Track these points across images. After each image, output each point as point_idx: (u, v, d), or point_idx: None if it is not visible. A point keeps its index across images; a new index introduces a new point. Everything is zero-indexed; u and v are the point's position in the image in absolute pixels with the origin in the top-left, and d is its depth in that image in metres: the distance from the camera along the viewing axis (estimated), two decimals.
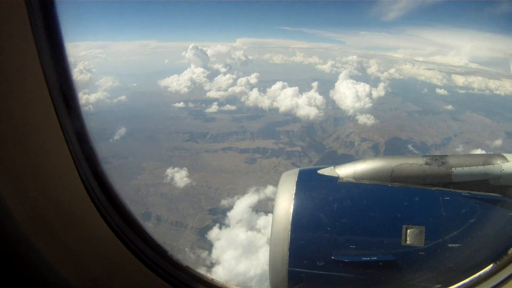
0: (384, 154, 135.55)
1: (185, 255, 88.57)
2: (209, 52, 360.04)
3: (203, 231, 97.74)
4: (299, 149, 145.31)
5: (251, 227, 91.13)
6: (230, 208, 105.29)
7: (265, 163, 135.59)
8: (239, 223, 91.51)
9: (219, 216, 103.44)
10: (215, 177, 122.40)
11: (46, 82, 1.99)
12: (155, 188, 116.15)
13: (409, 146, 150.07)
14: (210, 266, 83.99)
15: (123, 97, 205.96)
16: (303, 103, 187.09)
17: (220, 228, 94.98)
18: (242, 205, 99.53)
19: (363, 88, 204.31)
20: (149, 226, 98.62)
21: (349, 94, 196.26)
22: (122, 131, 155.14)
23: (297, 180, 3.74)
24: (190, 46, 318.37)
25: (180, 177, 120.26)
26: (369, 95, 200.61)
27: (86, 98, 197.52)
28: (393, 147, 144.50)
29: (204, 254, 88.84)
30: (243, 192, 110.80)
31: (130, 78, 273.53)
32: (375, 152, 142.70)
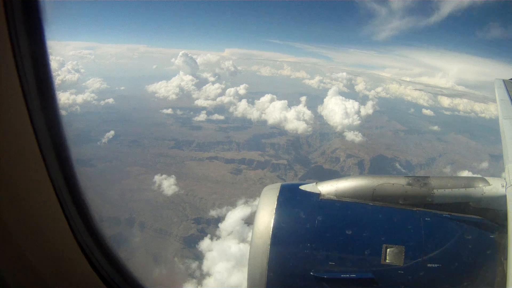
0: (369, 172, 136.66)
1: (174, 265, 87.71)
2: (199, 60, 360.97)
3: (188, 240, 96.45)
4: (285, 162, 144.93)
5: (243, 239, 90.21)
6: (219, 219, 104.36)
7: (251, 175, 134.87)
8: (231, 234, 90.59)
9: (204, 226, 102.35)
10: (200, 186, 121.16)
11: (21, 86, 1.90)
12: (139, 193, 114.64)
13: (396, 164, 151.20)
14: (201, 277, 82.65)
15: (110, 100, 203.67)
16: (291, 117, 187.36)
17: (211, 239, 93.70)
18: (234, 217, 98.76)
19: (352, 105, 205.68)
20: (131, 232, 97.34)
21: (338, 110, 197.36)
22: (110, 134, 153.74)
23: (279, 195, 3.75)
24: (180, 53, 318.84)
25: (168, 184, 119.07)
26: (358, 112, 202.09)
27: (73, 99, 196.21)
28: (379, 165, 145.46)
29: (194, 264, 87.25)
30: (228, 203, 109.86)
31: (118, 81, 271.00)
32: (360, 169, 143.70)
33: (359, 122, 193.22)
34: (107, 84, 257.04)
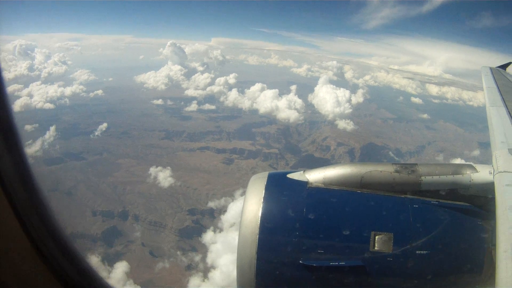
0: (360, 160, 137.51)
1: (177, 259, 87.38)
2: (187, 50, 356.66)
3: (183, 232, 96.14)
4: (276, 151, 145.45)
5: None
6: (214, 209, 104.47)
7: (243, 164, 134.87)
8: (233, 226, 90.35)
9: (198, 217, 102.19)
10: (193, 177, 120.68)
11: None
12: (132, 186, 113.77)
13: (387, 152, 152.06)
14: (206, 270, 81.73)
15: (99, 92, 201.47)
16: (283, 106, 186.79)
17: (214, 231, 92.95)
18: (236, 208, 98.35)
19: (343, 93, 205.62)
20: (126, 225, 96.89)
21: (329, 99, 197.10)
22: (103, 126, 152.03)
23: (266, 184, 3.76)
24: (168, 43, 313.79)
25: (162, 176, 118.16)
26: (349, 100, 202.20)
27: (62, 91, 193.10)
28: (369, 153, 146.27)
29: (197, 257, 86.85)
30: (222, 193, 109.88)
31: (106, 72, 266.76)
32: (351, 157, 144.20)
33: (350, 110, 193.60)
34: (95, 76, 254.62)
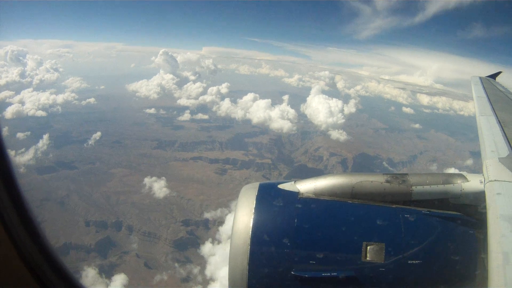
0: (352, 170, 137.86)
1: (173, 271, 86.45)
2: (178, 59, 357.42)
3: (178, 243, 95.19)
4: (269, 161, 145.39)
5: None
6: (211, 221, 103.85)
7: (236, 175, 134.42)
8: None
9: (193, 228, 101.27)
10: (186, 187, 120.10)
11: None
12: (125, 196, 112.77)
13: (379, 162, 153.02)
14: (205, 282, 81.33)
15: (92, 100, 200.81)
16: (276, 116, 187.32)
17: (212, 243, 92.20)
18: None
19: (335, 103, 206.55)
20: (120, 236, 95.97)
21: (322, 109, 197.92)
22: (97, 135, 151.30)
23: (257, 194, 3.73)
24: (161, 52, 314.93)
25: (156, 186, 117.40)
26: (342, 111, 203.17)
27: (54, 99, 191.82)
28: (361, 163, 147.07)
29: (196, 269, 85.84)
30: (216, 204, 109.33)
31: (98, 80, 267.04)
32: (344, 167, 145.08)
33: (343, 120, 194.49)
34: (87, 83, 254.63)
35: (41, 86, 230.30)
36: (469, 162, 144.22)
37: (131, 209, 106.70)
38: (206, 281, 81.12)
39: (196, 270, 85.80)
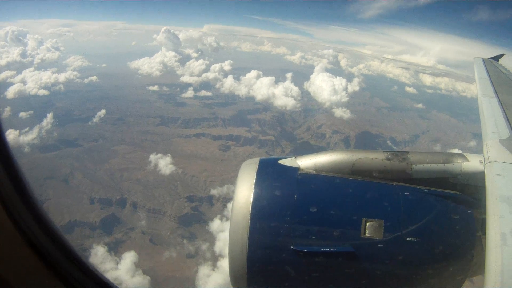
0: (355, 148, 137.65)
1: (178, 247, 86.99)
2: (180, 36, 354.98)
3: (182, 219, 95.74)
4: (272, 138, 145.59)
5: None
6: (215, 198, 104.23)
7: (239, 151, 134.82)
8: None
9: (197, 204, 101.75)
10: (190, 164, 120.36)
11: None
12: (129, 173, 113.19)
13: (381, 141, 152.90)
14: (214, 259, 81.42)
15: (94, 78, 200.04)
16: (279, 93, 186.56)
17: (221, 219, 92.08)
18: None
19: (339, 82, 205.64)
20: (124, 213, 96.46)
21: (326, 87, 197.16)
22: (101, 113, 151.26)
23: (258, 169, 3.73)
24: (163, 29, 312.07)
25: (164, 163, 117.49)
26: (345, 89, 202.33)
27: (56, 77, 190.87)
28: (364, 141, 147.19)
29: (204, 246, 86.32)
30: (220, 180, 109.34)
31: (99, 58, 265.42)
32: (346, 145, 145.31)
33: (347, 99, 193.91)
34: (88, 62, 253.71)
35: (43, 65, 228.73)
36: (472, 143, 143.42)
37: (135, 186, 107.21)
38: (216, 257, 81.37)
39: (204, 246, 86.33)
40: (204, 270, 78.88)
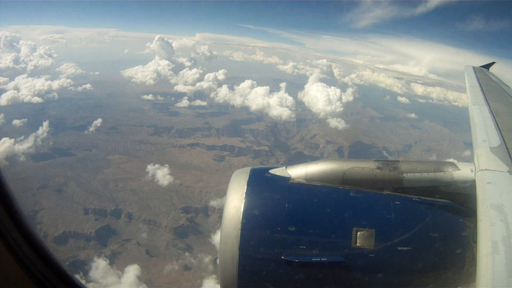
0: (348, 158, 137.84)
1: (181, 260, 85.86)
2: (174, 45, 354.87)
3: (178, 230, 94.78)
4: (266, 148, 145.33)
5: None
6: (211, 208, 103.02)
7: (234, 161, 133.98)
8: None
9: (193, 215, 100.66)
10: (185, 174, 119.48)
11: None
12: (123, 183, 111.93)
13: (380, 151, 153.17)
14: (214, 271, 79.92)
15: (88, 86, 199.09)
16: (274, 103, 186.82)
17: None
18: None
19: (334, 92, 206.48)
20: (120, 224, 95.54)
21: (320, 97, 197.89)
22: (98, 122, 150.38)
23: (249, 179, 3.76)
24: (156, 38, 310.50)
25: (162, 174, 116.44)
26: (340, 99, 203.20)
27: (49, 85, 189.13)
28: (357, 151, 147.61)
29: (203, 258, 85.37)
30: (216, 191, 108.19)
31: (92, 66, 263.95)
32: (340, 155, 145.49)
33: (341, 109, 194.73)
34: (81, 69, 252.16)
35: (36, 72, 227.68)
36: (467, 153, 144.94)
37: (130, 196, 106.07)
38: (216, 270, 79.57)
39: (202, 258, 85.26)
40: (205, 283, 78.05)
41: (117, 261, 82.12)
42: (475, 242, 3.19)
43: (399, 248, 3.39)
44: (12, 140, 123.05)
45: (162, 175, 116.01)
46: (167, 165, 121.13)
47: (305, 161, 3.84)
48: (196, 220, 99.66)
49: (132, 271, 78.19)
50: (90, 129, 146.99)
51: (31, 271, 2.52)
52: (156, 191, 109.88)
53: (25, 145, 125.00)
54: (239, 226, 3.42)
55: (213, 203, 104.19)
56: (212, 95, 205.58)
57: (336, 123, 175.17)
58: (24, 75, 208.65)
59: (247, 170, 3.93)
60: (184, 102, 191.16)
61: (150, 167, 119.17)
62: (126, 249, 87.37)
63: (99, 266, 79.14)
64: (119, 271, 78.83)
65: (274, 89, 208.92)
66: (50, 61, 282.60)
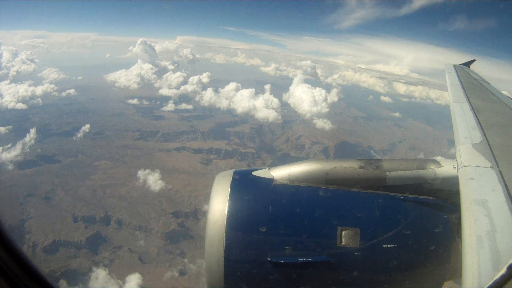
0: (334, 158, 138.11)
1: (174, 265, 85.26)
2: (156, 48, 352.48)
3: (170, 235, 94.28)
4: (253, 150, 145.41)
5: None
6: (200, 212, 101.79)
7: (221, 164, 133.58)
8: None
9: (183, 220, 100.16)
10: (173, 178, 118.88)
11: None
12: (111, 189, 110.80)
13: (367, 151, 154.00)
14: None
15: (72, 91, 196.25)
16: (260, 106, 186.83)
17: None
18: None
19: (319, 93, 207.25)
20: (110, 231, 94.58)
21: (306, 98, 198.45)
22: (86, 128, 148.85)
23: (232, 181, 3.78)
24: (139, 41, 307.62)
25: (153, 179, 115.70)
26: (325, 100, 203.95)
27: (32, 91, 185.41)
28: (343, 151, 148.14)
29: (202, 262, 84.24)
30: (205, 194, 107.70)
31: (74, 71, 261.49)
32: (326, 155, 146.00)
33: (327, 109, 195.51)
34: (64, 74, 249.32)
35: (18, 78, 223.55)
36: (453, 151, 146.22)
37: (119, 202, 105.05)
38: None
39: (195, 263, 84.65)
40: None
41: (110, 269, 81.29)
42: (460, 237, 3.23)
43: (384, 246, 3.44)
44: (0, 149, 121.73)
45: (153, 180, 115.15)
46: (157, 170, 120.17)
47: (291, 162, 4.01)
48: (187, 225, 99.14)
49: (134, 280, 77.78)
50: (79, 135, 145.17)
51: (4, 271, 2.51)
52: (145, 197, 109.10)
53: (12, 153, 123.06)
54: (223, 229, 3.45)
55: (203, 206, 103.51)
56: (197, 98, 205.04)
57: (323, 123, 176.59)
58: (7, 81, 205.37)
59: (230, 173, 3.95)
60: (170, 106, 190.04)
61: (141, 173, 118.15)
62: (118, 256, 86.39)
63: (99, 276, 78.43)
64: (120, 281, 78.23)
65: (258, 91, 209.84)
66: (33, 66, 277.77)
